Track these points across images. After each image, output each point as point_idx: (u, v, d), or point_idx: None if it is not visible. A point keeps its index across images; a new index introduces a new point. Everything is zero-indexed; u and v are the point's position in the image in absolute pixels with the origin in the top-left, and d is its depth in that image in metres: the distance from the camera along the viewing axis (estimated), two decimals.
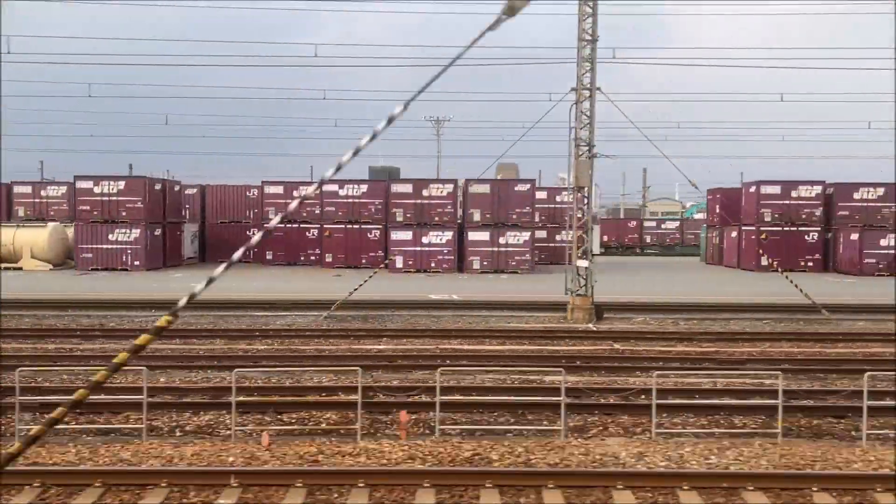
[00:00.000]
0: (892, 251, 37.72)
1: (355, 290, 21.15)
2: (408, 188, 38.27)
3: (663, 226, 69.96)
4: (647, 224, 71.16)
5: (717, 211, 47.42)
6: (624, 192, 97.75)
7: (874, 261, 37.72)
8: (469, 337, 17.54)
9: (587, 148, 21.04)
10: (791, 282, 21.97)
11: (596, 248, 21.59)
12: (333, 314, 20.80)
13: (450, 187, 38.33)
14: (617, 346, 16.84)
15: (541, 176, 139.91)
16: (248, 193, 45.94)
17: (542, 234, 46.75)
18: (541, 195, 47.60)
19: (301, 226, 43.21)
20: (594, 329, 19.55)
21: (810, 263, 40.48)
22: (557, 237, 46.74)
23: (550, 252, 46.64)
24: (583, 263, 21.32)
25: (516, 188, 38.33)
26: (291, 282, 32.28)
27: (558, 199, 47.12)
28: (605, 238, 71.00)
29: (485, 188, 38.20)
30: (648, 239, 69.51)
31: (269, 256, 43.56)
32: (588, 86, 20.77)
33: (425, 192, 38.17)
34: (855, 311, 23.01)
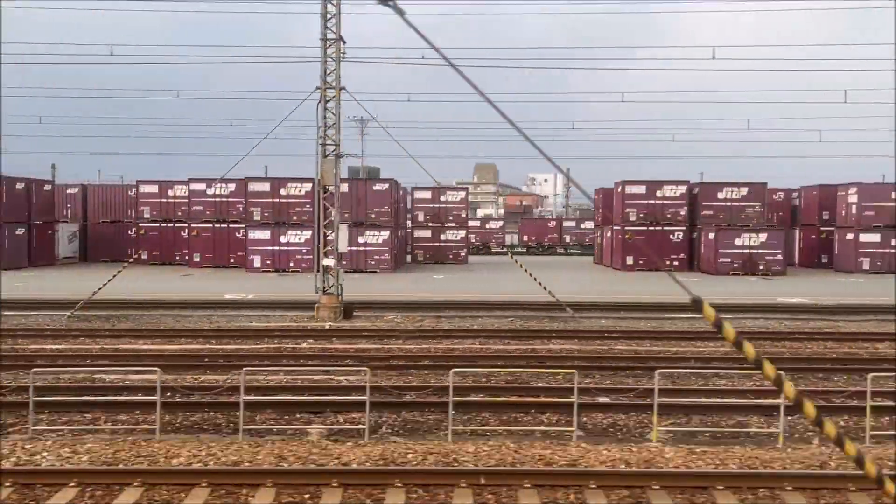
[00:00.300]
0: (747, 251, 37.90)
1: (99, 289, 21.12)
2: (265, 187, 38.26)
3: (582, 226, 70.05)
4: (566, 224, 71.34)
5: (600, 210, 47.67)
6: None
7: (729, 260, 37.87)
8: (168, 337, 17.54)
9: (334, 147, 21.05)
10: (535, 279, 22.06)
11: (342, 248, 21.49)
12: (80, 313, 20.78)
13: (308, 186, 38.29)
14: (306, 344, 16.89)
15: (496, 174, 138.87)
16: (129, 193, 45.85)
17: (426, 233, 46.94)
18: (425, 195, 47.75)
19: (176, 225, 43.18)
20: (326, 328, 19.58)
21: (676, 263, 40.67)
22: (442, 237, 46.84)
23: (435, 251, 46.76)
24: (329, 262, 21.32)
25: (375, 188, 38.33)
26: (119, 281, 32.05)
27: (443, 198, 47.20)
28: (526, 238, 71.40)
29: (343, 187, 38.07)
30: (568, 239, 69.68)
31: (143, 256, 43.45)
32: (332, 84, 20.81)
33: (283, 191, 38.18)
34: (628, 309, 23.18)
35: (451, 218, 46.93)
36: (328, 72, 20.87)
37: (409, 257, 47.19)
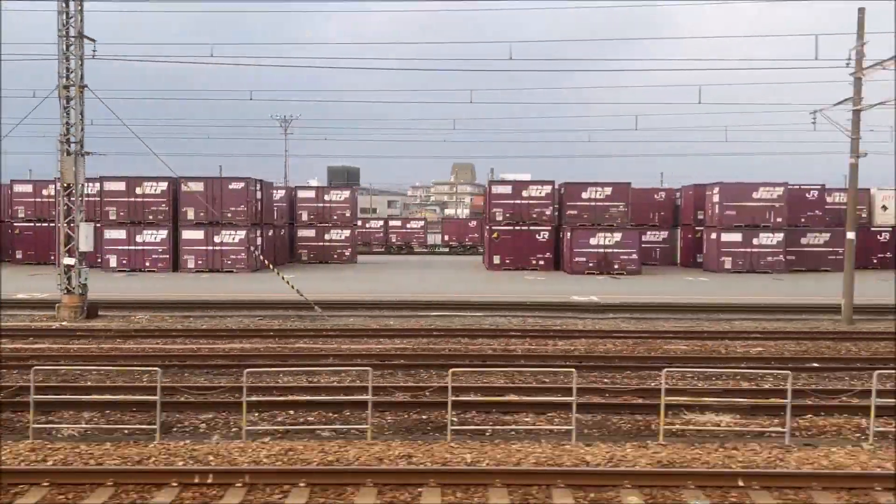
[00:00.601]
0: (602, 250, 37.92)
1: None
2: (121, 186, 38.08)
3: None
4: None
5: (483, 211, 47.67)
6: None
7: (584, 259, 37.90)
8: None
9: (76, 145, 20.93)
10: (287, 281, 22.00)
11: (84, 246, 21.37)
12: None
13: (164, 185, 38.17)
14: None
15: (474, 173, 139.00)
16: (8, 192, 45.62)
17: (310, 232, 46.85)
18: (309, 194, 47.72)
19: (50, 224, 42.92)
20: (55, 327, 19.46)
21: (541, 262, 40.67)
22: (326, 236, 46.77)
23: (319, 250, 46.69)
24: (69, 261, 21.18)
25: (230, 186, 38.16)
26: None
27: (326, 198, 47.13)
28: (447, 238, 71.35)
29: (199, 186, 38.03)
30: None
31: (18, 255, 43.29)
32: (73, 82, 20.69)
33: (139, 191, 38.04)
34: (392, 307, 23.15)
35: (335, 217, 46.87)
36: (70, 70, 20.75)
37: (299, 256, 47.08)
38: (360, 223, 73.14)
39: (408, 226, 71.99)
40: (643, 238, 46.06)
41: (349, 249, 47.05)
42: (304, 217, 46.91)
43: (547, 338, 17.61)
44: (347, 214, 47.35)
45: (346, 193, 47.73)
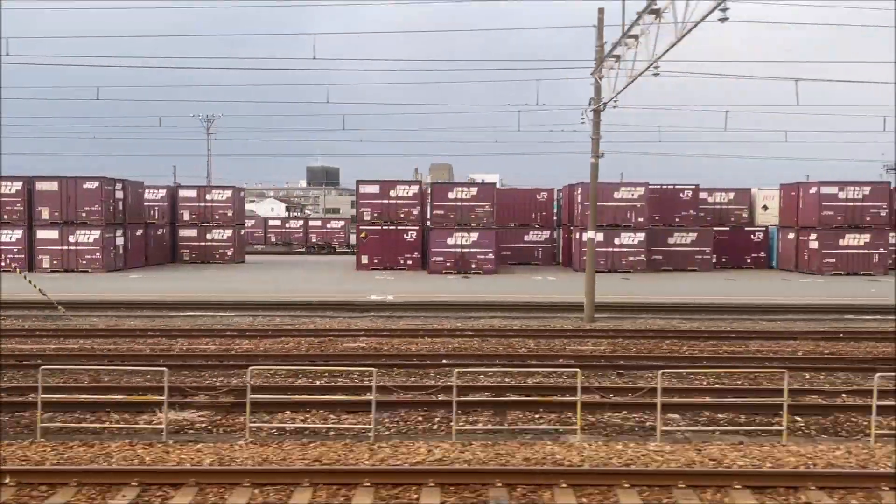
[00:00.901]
0: (459, 250, 37.91)
1: None
2: None
3: None
4: None
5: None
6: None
7: (442, 259, 37.90)
8: None
9: None
10: (29, 281, 21.82)
11: None
12: None
13: (18, 185, 37.90)
14: None
15: (451, 173, 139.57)
16: None
17: (192, 232, 46.64)
18: (190, 194, 47.50)
19: None
20: None
21: (409, 262, 40.61)
22: (208, 236, 46.57)
23: (201, 250, 46.49)
24: None
25: (84, 186, 37.87)
26: None
27: (208, 197, 46.93)
28: None
29: (53, 186, 37.80)
30: None
31: None
32: None
33: None
34: (153, 307, 23.04)
35: (217, 217, 46.67)
36: None
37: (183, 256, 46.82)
38: (280, 223, 73.47)
39: (328, 226, 71.79)
40: (525, 238, 46.36)
41: (231, 249, 46.81)
42: (186, 217, 46.71)
43: (265, 337, 17.51)
44: (230, 214, 47.10)
45: (229, 193, 47.49)
